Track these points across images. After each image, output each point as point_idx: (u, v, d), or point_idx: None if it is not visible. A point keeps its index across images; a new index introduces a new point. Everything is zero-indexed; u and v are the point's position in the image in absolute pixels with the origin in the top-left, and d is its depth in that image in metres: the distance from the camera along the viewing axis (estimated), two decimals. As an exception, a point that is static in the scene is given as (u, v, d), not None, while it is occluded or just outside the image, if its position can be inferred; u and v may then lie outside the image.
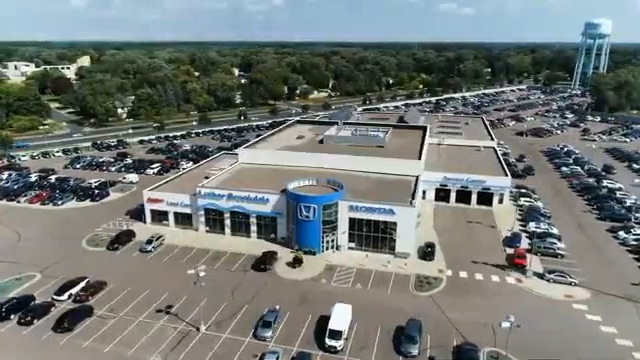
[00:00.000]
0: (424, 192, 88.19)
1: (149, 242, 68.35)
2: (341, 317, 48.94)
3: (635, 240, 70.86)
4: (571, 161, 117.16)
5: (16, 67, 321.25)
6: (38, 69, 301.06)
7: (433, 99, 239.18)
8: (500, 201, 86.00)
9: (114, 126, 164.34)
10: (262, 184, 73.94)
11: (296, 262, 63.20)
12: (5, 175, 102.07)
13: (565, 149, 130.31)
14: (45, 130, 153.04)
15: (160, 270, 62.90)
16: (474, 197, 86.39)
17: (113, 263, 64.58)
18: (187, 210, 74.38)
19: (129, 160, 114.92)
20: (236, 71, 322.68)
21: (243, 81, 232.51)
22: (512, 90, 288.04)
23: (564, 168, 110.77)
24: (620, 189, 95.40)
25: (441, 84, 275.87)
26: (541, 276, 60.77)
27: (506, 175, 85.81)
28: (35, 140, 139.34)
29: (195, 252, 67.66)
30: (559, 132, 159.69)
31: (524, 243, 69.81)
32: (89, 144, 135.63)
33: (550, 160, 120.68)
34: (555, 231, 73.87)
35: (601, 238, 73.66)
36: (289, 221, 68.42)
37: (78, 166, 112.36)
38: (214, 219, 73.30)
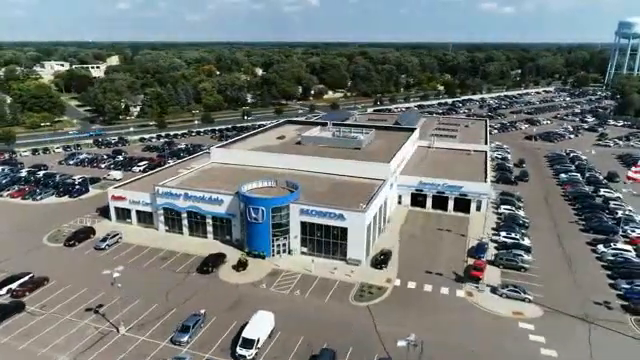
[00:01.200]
0: (400, 197, 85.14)
1: (104, 240, 68.62)
2: (258, 325, 47.08)
3: (613, 255, 65.38)
4: (573, 167, 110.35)
5: (51, 67, 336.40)
6: (67, 68, 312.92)
7: (450, 100, 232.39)
8: (478, 208, 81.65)
9: (122, 124, 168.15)
10: (225, 184, 72.79)
11: (240, 265, 61.77)
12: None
13: (571, 154, 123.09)
14: (54, 127, 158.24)
15: (105, 268, 62.74)
16: (451, 203, 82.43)
17: (63, 259, 65.11)
18: (148, 209, 74.36)
19: (120, 157, 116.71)
20: (260, 71, 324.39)
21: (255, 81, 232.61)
22: (537, 92, 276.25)
23: (562, 175, 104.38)
24: (618, 199, 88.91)
25: (462, 85, 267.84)
26: (494, 290, 56.88)
27: (485, 181, 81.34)
28: (45, 136, 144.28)
29: (148, 252, 67.35)
30: (572, 136, 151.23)
31: (490, 254, 65.78)
32: (91, 141, 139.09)
33: (551, 166, 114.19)
34: (526, 242, 69.25)
35: (578, 251, 68.45)
36: (242, 223, 67.13)
37: (72, 162, 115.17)
38: (172, 219, 72.89)
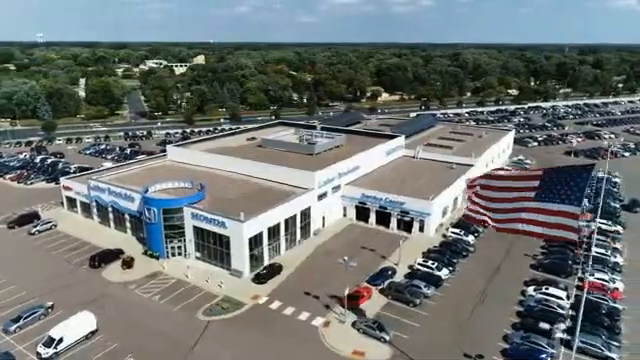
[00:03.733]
0: (345, 209, 79.36)
1: (36, 225, 73.90)
2: (71, 325, 47.04)
3: (537, 301, 53.97)
4: (587, 191, 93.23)
5: (147, 65, 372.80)
6: (158, 67, 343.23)
7: (512, 107, 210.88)
8: (421, 229, 72.95)
9: (163, 119, 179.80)
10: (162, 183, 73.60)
11: (124, 264, 62.29)
12: (22, 155, 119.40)
13: (601, 175, 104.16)
14: (106, 120, 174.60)
15: (17, 250, 67.67)
16: (394, 220, 74.74)
17: (-9, 241, 71.42)
18: (86, 200, 78.40)
19: (127, 151, 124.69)
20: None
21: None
22: (631, 101, 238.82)
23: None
24: (613, 232, 73.52)
25: (536, 91, 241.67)
26: (354, 324, 50.30)
27: (430, 199, 72.13)
28: (91, 127, 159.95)
29: (64, 240, 70.96)
30: (627, 155, 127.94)
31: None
32: (122, 133, 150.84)
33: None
34: (443, 273, 60.14)
35: (502, 291, 57.60)
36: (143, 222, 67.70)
37: (87, 152, 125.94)
38: (103, 212, 76.01)
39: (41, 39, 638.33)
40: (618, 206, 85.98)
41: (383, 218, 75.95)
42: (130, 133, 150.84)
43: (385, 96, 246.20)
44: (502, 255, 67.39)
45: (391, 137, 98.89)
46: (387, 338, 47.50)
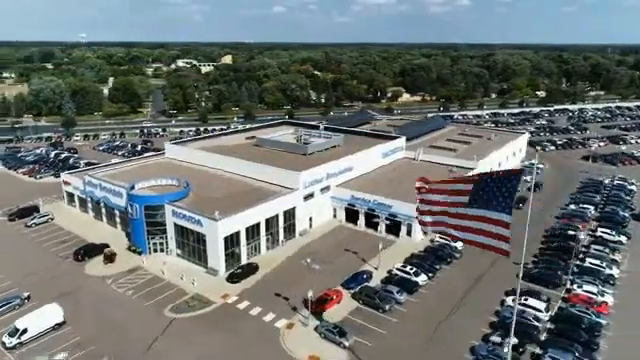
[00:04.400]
0: (335, 210, 78.38)
1: (33, 218, 76.48)
2: (37, 317, 48.27)
3: (511, 313, 51.38)
4: (598, 198, 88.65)
5: (177, 64, 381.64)
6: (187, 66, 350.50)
7: (537, 109, 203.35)
8: (408, 232, 71.11)
9: (180, 117, 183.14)
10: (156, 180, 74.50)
11: (106, 258, 63.47)
12: (38, 150, 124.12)
13: (616, 183, 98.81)
14: (126, 117, 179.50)
15: (5, 242, 70.10)
16: (382, 223, 73.17)
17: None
18: (83, 195, 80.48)
19: (138, 148, 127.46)
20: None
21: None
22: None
23: (572, 206, 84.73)
24: (615, 243, 69.42)
25: (566, 92, 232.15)
26: (316, 327, 49.35)
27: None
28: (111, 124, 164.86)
29: (57, 233, 73.08)
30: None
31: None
32: (137, 131, 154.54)
33: (577, 193, 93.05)
34: (420, 279, 58.33)
35: (477, 300, 55.39)
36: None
37: (101, 149, 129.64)
38: (96, 207, 77.85)
39: (84, 39, 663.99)
40: (627, 215, 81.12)
41: (372, 221, 74.53)
42: (145, 130, 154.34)
43: (406, 97, 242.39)
44: (489, 263, 64.60)
45: (392, 138, 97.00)
46: (346, 344, 46.37)
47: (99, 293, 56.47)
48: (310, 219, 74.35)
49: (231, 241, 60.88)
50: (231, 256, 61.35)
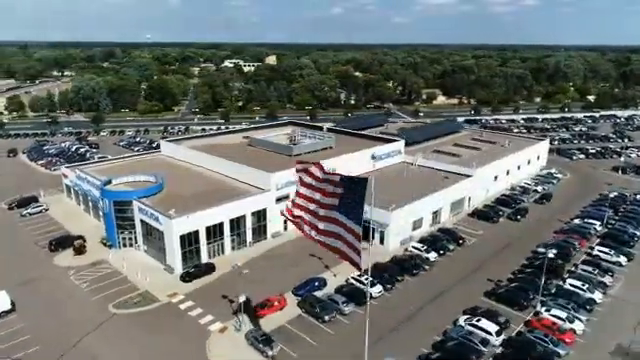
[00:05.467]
0: (314, 213, 76.32)
1: (27, 208, 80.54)
2: (-16, 303, 50.40)
3: (458, 333, 47.34)
4: (610, 212, 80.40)
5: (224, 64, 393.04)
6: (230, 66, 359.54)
7: (580, 115, 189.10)
8: (381, 240, 67.85)
9: (199, 115, 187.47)
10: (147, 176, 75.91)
11: (75, 250, 65.40)
12: (63, 144, 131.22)
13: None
14: (159, 115, 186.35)
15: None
16: (357, 230, 70.30)
17: (-11, 217, 79.12)
18: (76, 188, 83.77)
19: (154, 145, 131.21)
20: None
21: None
22: None
23: (576, 220, 77.49)
24: (611, 263, 62.61)
25: (616, 97, 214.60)
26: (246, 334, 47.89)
27: (389, 209, 66.57)
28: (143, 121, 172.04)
29: (46, 224, 76.42)
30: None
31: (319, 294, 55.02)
32: (161, 128, 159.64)
33: (590, 207, 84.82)
34: (375, 290, 55.25)
35: (434, 316, 51.61)
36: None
37: (121, 144, 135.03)
38: (84, 199, 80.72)
39: (149, 40, 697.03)
40: (638, 233, 72.98)
41: (348, 226, 71.87)
42: (169, 128, 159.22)
43: (442, 99, 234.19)
44: (458, 277, 60.46)
45: (390, 142, 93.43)
46: (269, 353, 44.67)
47: (57, 284, 58.22)
48: (285, 221, 72.89)
49: (189, 240, 60.77)
50: (190, 255, 61.23)
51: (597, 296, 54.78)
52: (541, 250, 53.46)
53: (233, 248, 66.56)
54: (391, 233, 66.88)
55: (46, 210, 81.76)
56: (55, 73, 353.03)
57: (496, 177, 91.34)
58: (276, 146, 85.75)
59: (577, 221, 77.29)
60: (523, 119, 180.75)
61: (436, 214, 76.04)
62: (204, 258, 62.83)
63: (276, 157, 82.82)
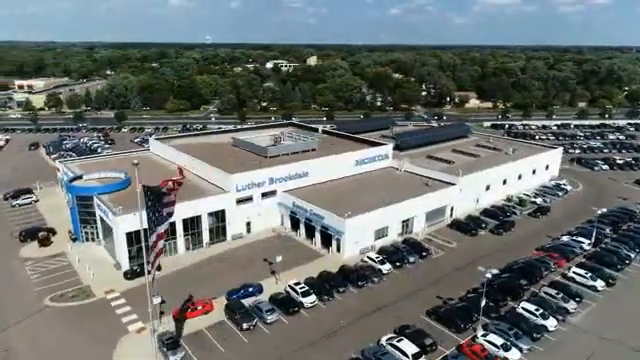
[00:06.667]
0: (282, 217, 74.95)
1: (16, 199, 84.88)
2: None
3: (370, 354, 44.11)
4: (607, 231, 72.68)
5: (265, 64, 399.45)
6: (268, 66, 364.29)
7: (622, 122, 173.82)
8: (338, 248, 65.10)
9: (230, 114, 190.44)
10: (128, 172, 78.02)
11: (39, 242, 67.73)
12: (83, 139, 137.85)
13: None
14: (183, 114, 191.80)
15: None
16: (318, 235, 68.14)
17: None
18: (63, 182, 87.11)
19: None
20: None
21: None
22: None
23: (565, 238, 70.69)
24: (591, 288, 56.37)
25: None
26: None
27: (344, 216, 63.46)
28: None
29: (32, 215, 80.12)
30: None
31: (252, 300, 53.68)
32: (180, 126, 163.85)
33: (588, 223, 77.06)
34: (309, 300, 52.97)
35: (358, 333, 48.45)
36: (73, 205, 72.61)
37: (136, 141, 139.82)
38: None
39: (208, 41, 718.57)
40: (632, 255, 65.33)
41: (311, 232, 69.81)
42: (188, 126, 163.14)
43: (475, 102, 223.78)
44: (408, 292, 56.71)
45: (377, 145, 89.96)
46: (171, 358, 43.80)
47: (9, 273, 60.51)
48: (248, 224, 71.92)
49: (137, 237, 61.05)
50: (140, 253, 61.46)
51: (550, 323, 49.33)
52: (481, 269, 48.67)
53: (188, 248, 66.47)
54: (347, 241, 63.97)
55: (35, 202, 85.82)
56: (108, 72, 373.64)
57: (488, 187, 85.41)
58: (254, 147, 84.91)
59: (565, 238, 70.55)
60: (556, 125, 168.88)
61: (407, 223, 72.05)
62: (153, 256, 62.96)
63: (253, 158, 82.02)
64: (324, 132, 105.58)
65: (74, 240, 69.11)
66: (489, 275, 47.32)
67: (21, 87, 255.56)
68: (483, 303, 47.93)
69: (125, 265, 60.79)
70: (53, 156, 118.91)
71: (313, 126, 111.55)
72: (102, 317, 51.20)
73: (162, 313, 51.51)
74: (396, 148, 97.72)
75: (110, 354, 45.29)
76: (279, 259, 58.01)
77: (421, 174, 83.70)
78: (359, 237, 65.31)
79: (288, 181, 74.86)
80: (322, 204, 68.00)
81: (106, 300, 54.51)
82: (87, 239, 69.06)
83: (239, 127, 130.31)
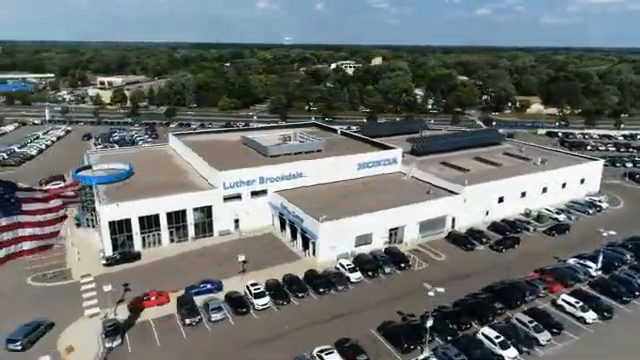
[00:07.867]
0: (272, 217, 74.78)
1: (48, 184, 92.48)
2: None
3: None
4: (627, 257, 63.68)
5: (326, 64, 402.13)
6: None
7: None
8: (314, 252, 63.48)
9: (251, 112, 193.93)
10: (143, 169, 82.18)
11: (46, 225, 73.26)
12: (131, 132, 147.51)
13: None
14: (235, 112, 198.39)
15: None
16: (299, 237, 67.05)
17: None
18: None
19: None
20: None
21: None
22: None
23: (571, 260, 63.07)
24: (580, 320, 49.95)
25: None
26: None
27: (319, 220, 61.48)
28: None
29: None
30: None
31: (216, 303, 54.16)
32: (223, 123, 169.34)
33: (610, 246, 68.07)
34: (261, 302, 52.27)
35: (299, 340, 46.87)
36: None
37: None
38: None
39: (288, 42, 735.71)
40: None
41: (295, 233, 68.84)
42: (231, 123, 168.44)
43: (539, 108, 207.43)
44: (371, 303, 53.89)
45: (383, 147, 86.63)
46: (107, 345, 45.41)
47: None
48: (236, 221, 72.50)
49: (119, 227, 64.11)
50: (118, 241, 64.45)
51: (509, 354, 44.30)
52: (426, 286, 44.39)
53: (172, 241, 68.45)
54: (321, 245, 62.21)
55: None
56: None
57: (501, 199, 78.70)
58: (258, 146, 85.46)
59: (572, 261, 63.04)
60: (623, 135, 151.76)
61: (395, 232, 68.47)
62: (137, 247, 65.73)
63: (255, 156, 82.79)
64: (342, 134, 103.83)
65: (78, 226, 74.06)
66: (432, 294, 43.53)
67: (102, 83, 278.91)
68: (429, 323, 44.13)
69: (108, 252, 63.99)
70: (99, 147, 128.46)
71: (335, 127, 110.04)
72: (68, 299, 54.16)
73: (121, 301, 53.56)
74: (412, 153, 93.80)
75: (59, 335, 47.80)
76: (241, 258, 57.97)
77: (429, 181, 79.31)
78: (336, 242, 63.22)
79: (281, 181, 74.45)
80: (308, 206, 66.73)
81: (79, 284, 57.67)
82: (88, 225, 73.68)
83: (262, 126, 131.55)
